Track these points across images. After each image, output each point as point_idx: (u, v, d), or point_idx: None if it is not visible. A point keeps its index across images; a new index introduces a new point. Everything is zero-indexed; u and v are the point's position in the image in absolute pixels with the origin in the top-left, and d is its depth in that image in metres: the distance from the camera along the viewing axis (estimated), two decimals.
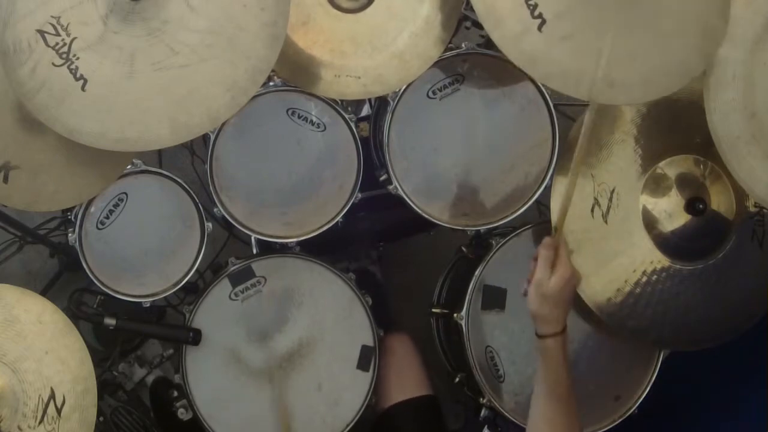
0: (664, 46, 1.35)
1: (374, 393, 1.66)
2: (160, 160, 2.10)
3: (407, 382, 1.74)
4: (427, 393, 1.75)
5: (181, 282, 1.57)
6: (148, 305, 1.58)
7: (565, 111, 1.78)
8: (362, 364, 1.65)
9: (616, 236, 1.52)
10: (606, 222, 1.51)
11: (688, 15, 1.36)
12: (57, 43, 1.25)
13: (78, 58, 1.26)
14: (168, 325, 1.79)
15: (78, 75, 1.26)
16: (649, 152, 1.53)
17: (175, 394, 1.60)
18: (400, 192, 1.56)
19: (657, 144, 1.53)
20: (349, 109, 1.54)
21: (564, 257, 1.37)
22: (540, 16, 1.30)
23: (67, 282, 2.19)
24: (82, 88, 1.26)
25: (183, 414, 1.60)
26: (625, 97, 1.39)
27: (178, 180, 1.55)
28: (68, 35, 1.26)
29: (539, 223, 1.64)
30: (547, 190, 1.56)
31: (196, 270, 1.57)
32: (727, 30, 1.36)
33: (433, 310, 1.86)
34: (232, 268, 1.62)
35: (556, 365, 1.36)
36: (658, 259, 1.52)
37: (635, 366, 1.64)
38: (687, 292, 1.53)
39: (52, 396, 1.33)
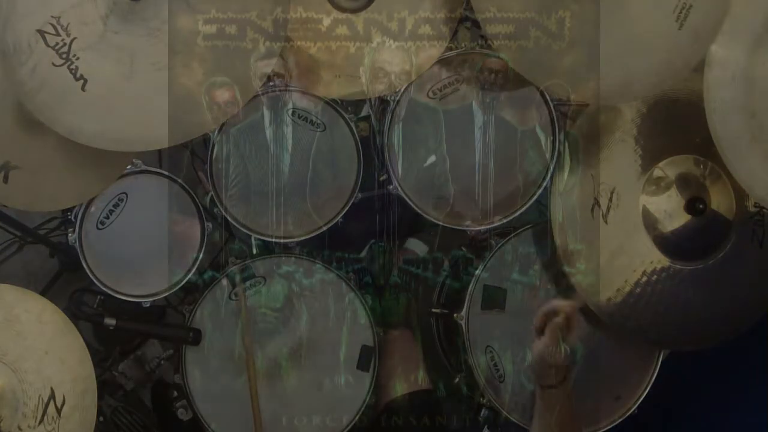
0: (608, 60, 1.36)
1: (374, 391, 1.66)
2: (160, 160, 2.10)
3: (407, 376, 1.74)
4: (427, 387, 1.75)
5: (181, 282, 1.57)
6: (148, 305, 1.58)
7: (565, 111, 1.77)
8: (362, 364, 1.65)
9: (616, 236, 1.52)
10: (606, 222, 1.51)
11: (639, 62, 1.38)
12: (57, 43, 1.25)
13: (78, 58, 1.26)
14: (168, 325, 1.79)
15: (78, 75, 1.26)
16: (649, 152, 1.53)
17: (175, 394, 1.60)
18: (400, 192, 1.56)
19: (657, 144, 1.53)
20: (349, 109, 1.54)
21: (575, 322, 1.29)
22: None
23: (67, 282, 2.18)
24: (82, 88, 1.26)
25: (183, 414, 1.60)
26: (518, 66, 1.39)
27: (178, 180, 1.55)
28: (68, 35, 1.26)
29: (539, 223, 1.63)
30: (547, 190, 1.56)
31: (196, 270, 1.57)
32: (727, 31, 1.37)
33: (433, 310, 1.86)
34: (232, 268, 1.62)
35: (559, 410, 1.33)
36: (658, 259, 1.52)
37: (635, 366, 1.64)
38: (687, 292, 1.53)
39: (52, 396, 1.33)
